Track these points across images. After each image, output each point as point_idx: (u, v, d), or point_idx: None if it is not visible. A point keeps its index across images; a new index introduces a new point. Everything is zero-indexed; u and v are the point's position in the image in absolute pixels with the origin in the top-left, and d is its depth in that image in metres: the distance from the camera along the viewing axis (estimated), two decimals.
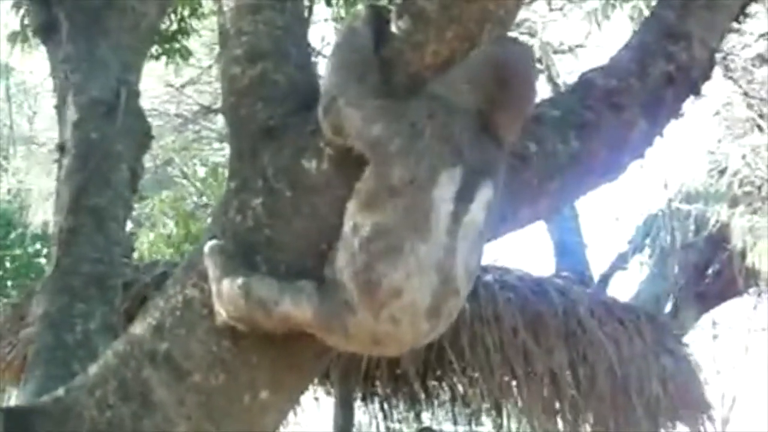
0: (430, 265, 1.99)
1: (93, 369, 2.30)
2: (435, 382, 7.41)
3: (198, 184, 11.50)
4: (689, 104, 2.57)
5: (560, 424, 6.34)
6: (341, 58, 2.15)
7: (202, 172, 11.81)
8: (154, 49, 6.00)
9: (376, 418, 7.89)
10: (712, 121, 11.59)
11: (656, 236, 11.70)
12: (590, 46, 11.49)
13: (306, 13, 5.99)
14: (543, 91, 10.92)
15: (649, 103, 2.46)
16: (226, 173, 2.94)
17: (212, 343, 2.18)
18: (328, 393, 7.61)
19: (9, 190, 13.48)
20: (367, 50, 2.14)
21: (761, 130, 11.10)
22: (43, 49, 4.68)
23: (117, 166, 4.09)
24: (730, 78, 10.61)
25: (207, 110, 11.90)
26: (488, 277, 6.19)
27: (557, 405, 6.31)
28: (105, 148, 4.07)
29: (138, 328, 2.27)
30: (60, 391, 2.31)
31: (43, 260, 11.12)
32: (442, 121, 2.03)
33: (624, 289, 12.17)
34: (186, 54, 6.43)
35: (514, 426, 7.13)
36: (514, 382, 6.28)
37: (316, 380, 6.66)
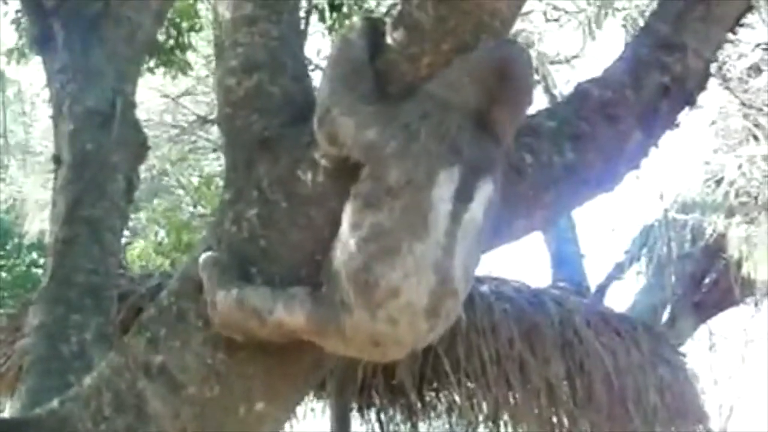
0: (427, 265, 1.99)
1: (87, 380, 2.30)
2: (431, 393, 7.39)
3: (193, 193, 11.49)
4: (685, 114, 2.57)
5: None
6: (336, 69, 2.16)
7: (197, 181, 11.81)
8: (153, 62, 6.01)
9: (372, 429, 7.86)
10: (708, 131, 11.60)
11: (653, 246, 11.68)
12: (587, 57, 11.50)
13: (302, 26, 6.00)
14: (540, 102, 10.94)
15: (644, 114, 2.46)
16: (221, 183, 2.94)
17: (207, 355, 2.18)
18: (325, 404, 7.59)
19: (5, 200, 13.46)
20: (362, 61, 2.15)
21: (757, 139, 11.10)
22: (39, 58, 4.68)
23: (113, 176, 4.08)
24: (726, 88, 10.61)
25: (203, 121, 11.90)
26: (484, 288, 6.18)
27: (554, 416, 6.30)
28: (101, 158, 4.07)
29: (133, 339, 2.27)
30: (54, 403, 2.31)
31: (39, 270, 11.08)
32: (437, 120, 2.03)
33: (621, 299, 12.17)
34: (185, 67, 6.45)
35: None
36: (510, 393, 6.27)
37: (312, 392, 6.65)
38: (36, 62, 5.97)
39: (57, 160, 4.16)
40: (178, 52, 6.31)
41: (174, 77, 6.65)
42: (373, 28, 2.21)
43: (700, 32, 2.52)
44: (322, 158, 2.15)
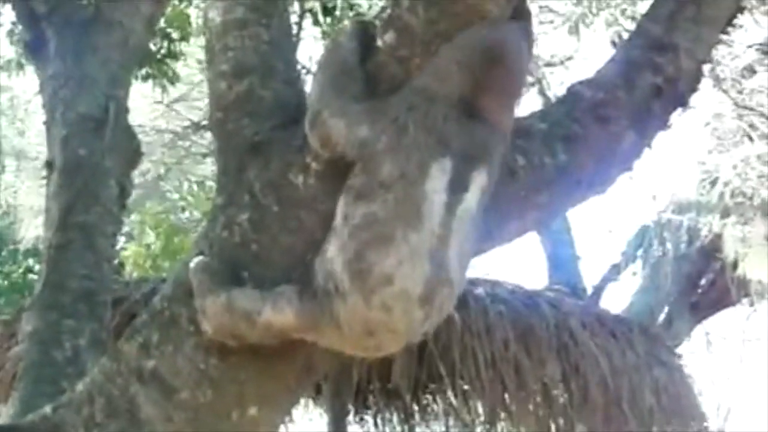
0: (422, 254, 1.98)
1: (80, 386, 2.29)
2: (428, 396, 7.39)
3: (186, 198, 11.48)
4: (678, 115, 2.57)
5: None
6: (326, 72, 2.16)
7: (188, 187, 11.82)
8: (144, 71, 6.00)
9: None
10: (702, 131, 11.60)
11: (649, 248, 11.68)
12: (579, 58, 11.50)
13: (294, 30, 5.99)
14: (534, 104, 10.95)
15: (636, 115, 2.45)
16: (214, 187, 2.93)
17: (199, 360, 2.17)
18: (321, 409, 7.58)
19: (0, 206, 13.43)
20: (352, 64, 2.14)
21: (752, 140, 11.11)
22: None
23: (106, 182, 4.08)
24: (720, 89, 10.62)
25: (197, 126, 11.89)
26: (479, 291, 6.16)
27: (550, 418, 6.29)
28: (93, 164, 4.06)
29: (125, 344, 2.26)
30: (47, 409, 2.30)
31: (35, 276, 11.07)
32: (423, 112, 2.02)
33: (617, 300, 12.16)
34: (174, 78, 6.43)
35: None
36: (506, 395, 6.26)
37: (307, 396, 6.64)
38: (30, 69, 5.96)
39: (50, 165, 4.16)
40: (168, 61, 6.29)
41: (163, 88, 6.63)
42: (364, 30, 2.21)
43: (691, 33, 2.52)
44: (314, 161, 2.15)
